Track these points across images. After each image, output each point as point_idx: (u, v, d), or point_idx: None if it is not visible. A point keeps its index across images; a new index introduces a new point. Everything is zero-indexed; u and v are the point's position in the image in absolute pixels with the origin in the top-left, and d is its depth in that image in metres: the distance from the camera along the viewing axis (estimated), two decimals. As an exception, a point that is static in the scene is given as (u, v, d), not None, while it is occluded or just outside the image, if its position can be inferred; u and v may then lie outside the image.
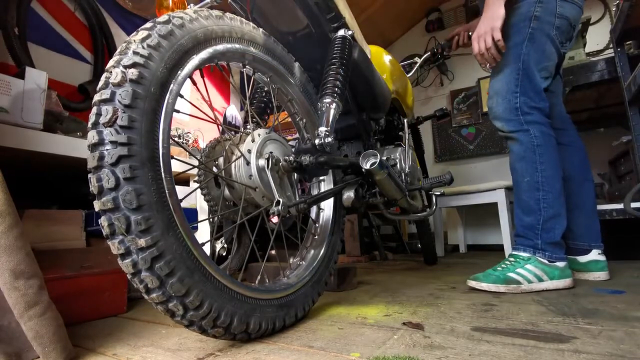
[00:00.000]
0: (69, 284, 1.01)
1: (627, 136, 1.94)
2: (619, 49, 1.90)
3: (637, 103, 1.78)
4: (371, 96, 1.30)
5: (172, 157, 0.71)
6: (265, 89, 1.19)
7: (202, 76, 0.83)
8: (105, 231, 0.61)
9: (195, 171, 1.59)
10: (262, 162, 0.87)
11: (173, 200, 0.66)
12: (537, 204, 1.26)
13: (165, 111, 0.68)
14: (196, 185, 0.93)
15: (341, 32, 1.06)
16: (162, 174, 0.66)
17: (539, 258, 1.23)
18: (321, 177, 1.16)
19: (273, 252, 1.65)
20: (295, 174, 1.01)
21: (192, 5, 0.89)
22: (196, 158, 1.18)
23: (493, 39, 1.26)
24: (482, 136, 3.32)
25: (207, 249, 1.74)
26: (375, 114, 1.42)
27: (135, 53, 0.65)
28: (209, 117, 0.92)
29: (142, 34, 0.68)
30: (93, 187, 0.61)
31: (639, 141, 1.76)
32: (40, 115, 1.21)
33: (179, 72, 0.72)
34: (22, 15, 1.76)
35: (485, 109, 3.23)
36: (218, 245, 1.86)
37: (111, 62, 0.66)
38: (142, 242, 0.60)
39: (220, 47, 0.83)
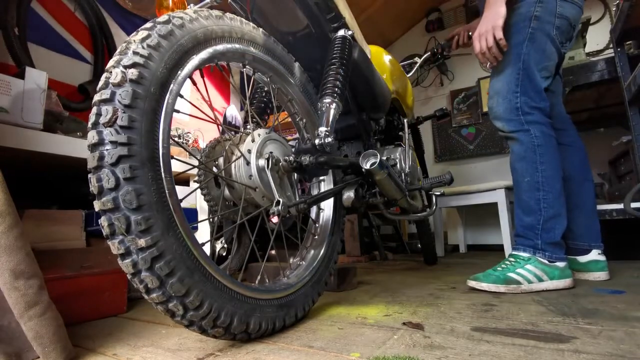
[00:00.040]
0: (69, 284, 1.01)
1: (627, 136, 1.94)
2: (619, 49, 1.90)
3: (637, 103, 1.78)
4: (371, 96, 1.30)
5: (172, 157, 0.71)
6: (265, 89, 1.19)
7: (202, 76, 0.83)
8: (105, 231, 0.61)
9: (195, 171, 1.59)
10: (262, 162, 0.87)
11: (173, 200, 0.66)
12: (537, 204, 1.26)
13: (165, 111, 0.68)
14: (196, 185, 0.93)
15: (341, 32, 1.06)
16: (162, 174, 0.66)
17: (539, 258, 1.23)
18: (321, 177, 1.16)
19: (273, 252, 1.65)
20: (295, 174, 1.01)
21: (192, 5, 0.89)
22: (196, 158, 1.18)
23: (494, 37, 1.26)
24: (482, 136, 3.32)
25: (207, 249, 1.74)
26: (375, 114, 1.42)
27: (135, 53, 0.65)
28: (209, 117, 0.92)
29: (142, 34, 0.68)
30: (93, 187, 0.61)
31: (639, 141, 1.76)
32: (40, 115, 1.21)
33: (179, 72, 0.72)
34: (22, 15, 1.76)
35: (485, 109, 3.23)
36: (218, 245, 1.86)
37: (111, 62, 0.66)
38: (142, 242, 0.60)
39: (220, 47, 0.83)
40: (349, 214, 2.24)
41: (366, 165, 1.02)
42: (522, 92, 1.30)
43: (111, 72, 0.64)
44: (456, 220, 3.13)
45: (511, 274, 1.20)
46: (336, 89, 0.94)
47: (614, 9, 2.70)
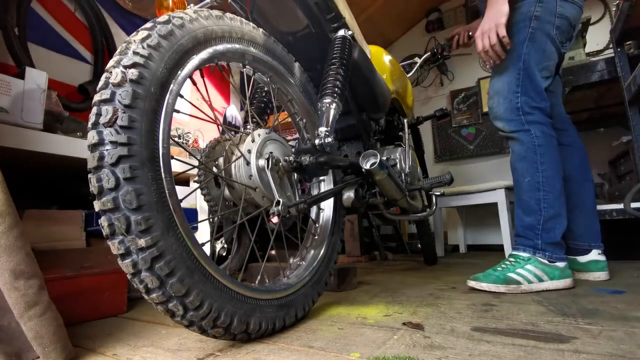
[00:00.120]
0: (69, 284, 1.01)
1: (627, 136, 1.94)
2: (619, 49, 1.90)
3: (637, 103, 1.78)
4: (371, 96, 1.30)
5: (172, 157, 0.71)
6: (265, 89, 1.19)
7: (202, 76, 0.83)
8: (105, 231, 0.61)
9: (195, 171, 1.59)
10: (262, 162, 0.87)
11: (173, 200, 0.66)
12: (537, 204, 1.26)
13: (165, 111, 0.68)
14: (196, 185, 0.93)
15: (341, 32, 1.06)
16: (162, 174, 0.66)
17: (539, 258, 1.23)
18: (321, 177, 1.16)
19: (273, 252, 1.65)
20: (295, 174, 1.01)
21: (192, 5, 0.89)
22: (196, 158, 1.18)
23: (498, 35, 1.25)
24: (482, 136, 3.32)
25: (207, 249, 1.74)
26: (375, 114, 1.42)
27: (135, 53, 0.65)
28: (209, 117, 0.92)
29: (142, 34, 0.68)
30: (93, 187, 0.61)
31: (639, 141, 1.76)
32: (40, 115, 1.21)
33: (179, 72, 0.72)
34: (22, 15, 1.76)
35: (485, 109, 3.23)
36: (218, 246, 1.86)
37: (111, 62, 0.66)
38: (142, 242, 0.60)
39: (220, 47, 0.83)
40: (349, 214, 2.24)
41: (366, 166, 1.02)
42: (523, 92, 1.30)
43: (111, 72, 0.64)
44: (456, 220, 3.13)
45: (511, 274, 1.20)
46: (336, 89, 0.94)
47: (614, 9, 2.70)
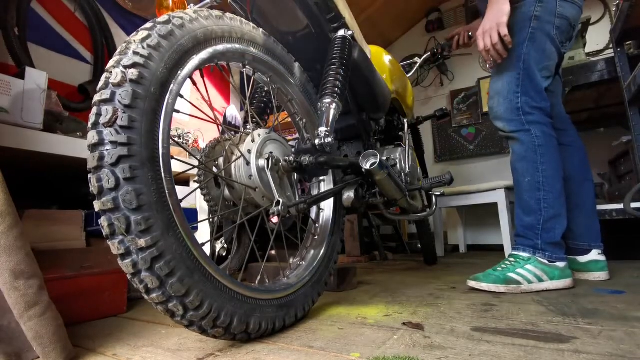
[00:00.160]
0: (69, 284, 1.01)
1: (627, 136, 1.94)
2: (619, 49, 1.90)
3: (637, 103, 1.78)
4: (371, 96, 1.30)
5: (172, 157, 0.71)
6: (265, 89, 1.19)
7: (202, 76, 0.83)
8: (105, 231, 0.61)
9: (195, 171, 1.59)
10: (262, 162, 0.87)
11: (173, 200, 0.66)
12: (537, 204, 1.26)
13: (165, 111, 0.68)
14: (196, 185, 0.93)
15: (341, 32, 1.06)
16: (162, 174, 0.66)
17: (539, 258, 1.23)
18: (321, 178, 1.16)
19: (273, 252, 1.65)
20: (295, 174, 1.01)
21: (192, 5, 0.89)
22: (196, 158, 1.18)
23: (499, 34, 1.24)
24: (482, 136, 3.32)
25: (207, 249, 1.74)
26: (375, 114, 1.42)
27: (135, 53, 0.65)
28: (209, 117, 0.92)
29: (142, 34, 0.68)
30: (93, 187, 0.61)
31: (639, 141, 1.76)
32: (40, 115, 1.21)
33: (179, 72, 0.72)
34: (22, 15, 1.76)
35: (485, 109, 3.23)
36: (218, 246, 1.86)
37: (111, 62, 0.66)
38: (142, 242, 0.60)
39: (220, 47, 0.83)
40: (349, 214, 2.24)
41: (366, 166, 1.02)
42: (523, 92, 1.30)
43: (111, 72, 0.64)
44: (456, 220, 3.13)
45: (511, 274, 1.20)
46: (336, 89, 0.94)
47: (614, 9, 2.70)
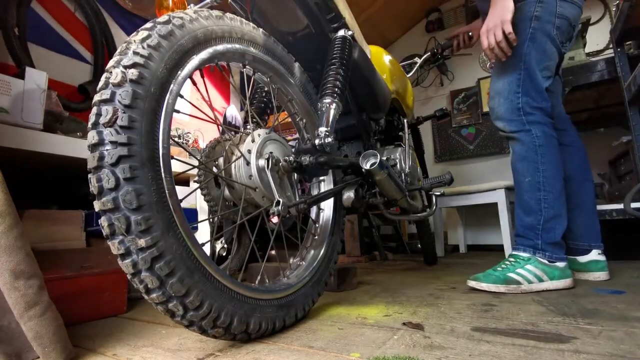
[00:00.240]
0: (69, 284, 1.01)
1: (627, 136, 1.94)
2: (619, 49, 1.90)
3: (637, 103, 1.78)
4: (371, 96, 1.30)
5: (172, 157, 0.71)
6: (265, 89, 1.19)
7: (202, 76, 0.83)
8: (105, 231, 0.61)
9: (195, 171, 1.59)
10: (262, 162, 0.87)
11: (173, 200, 0.66)
12: (537, 204, 1.26)
13: (165, 111, 0.68)
14: (196, 185, 0.93)
15: (341, 32, 1.06)
16: (162, 174, 0.66)
17: (539, 258, 1.23)
18: (321, 178, 1.16)
19: (273, 252, 1.65)
20: (295, 174, 1.01)
21: (192, 5, 0.89)
22: (196, 158, 1.18)
23: (503, 32, 1.23)
24: (482, 136, 3.32)
25: (207, 249, 1.74)
26: (375, 114, 1.42)
27: (135, 53, 0.65)
28: (209, 117, 0.92)
29: (142, 34, 0.68)
30: (93, 187, 0.61)
31: (639, 141, 1.76)
32: (40, 115, 1.21)
33: (179, 72, 0.72)
34: (22, 15, 1.76)
35: (485, 109, 3.23)
36: (218, 246, 1.86)
37: (111, 62, 0.66)
38: (142, 242, 0.60)
39: (220, 47, 0.83)
40: (349, 214, 2.24)
41: (366, 166, 1.02)
42: (524, 93, 1.30)
43: (111, 72, 0.64)
44: (456, 220, 3.13)
45: (511, 274, 1.20)
46: (336, 89, 0.94)
47: (614, 9, 2.70)
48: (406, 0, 3.42)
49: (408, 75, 1.84)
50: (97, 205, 0.61)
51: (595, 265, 1.37)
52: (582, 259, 1.40)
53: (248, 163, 0.86)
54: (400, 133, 1.68)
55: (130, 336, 0.88)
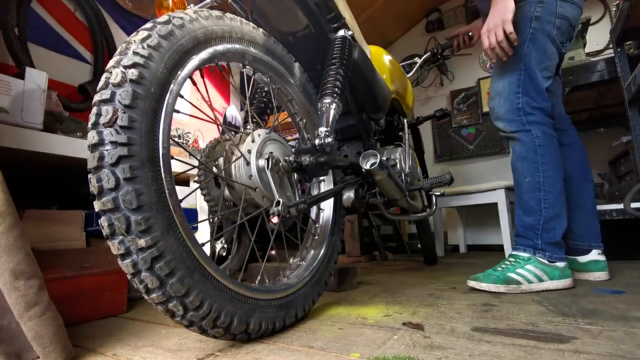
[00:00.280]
0: (69, 284, 1.01)
1: (627, 136, 1.94)
2: (619, 49, 1.90)
3: (637, 103, 1.78)
4: (371, 96, 1.30)
5: (172, 157, 0.71)
6: (265, 89, 1.19)
7: (202, 76, 0.83)
8: (105, 231, 0.61)
9: (195, 171, 1.59)
10: (262, 162, 0.87)
11: (173, 200, 0.66)
12: (537, 204, 1.26)
13: (165, 111, 0.68)
14: (196, 185, 0.93)
15: (341, 33, 1.06)
16: (162, 174, 0.66)
17: (539, 258, 1.23)
18: (321, 178, 1.16)
19: (273, 252, 1.65)
20: (295, 174, 1.01)
21: (192, 5, 0.89)
22: (196, 158, 1.18)
23: (504, 32, 1.23)
24: (482, 136, 3.32)
25: (207, 249, 1.74)
26: (375, 114, 1.42)
27: (135, 53, 0.65)
28: (209, 117, 0.92)
29: (142, 34, 0.68)
30: (93, 188, 0.61)
31: (639, 141, 1.76)
32: (40, 115, 1.21)
33: (179, 72, 0.72)
34: (22, 15, 1.76)
35: (485, 109, 3.23)
36: (218, 246, 1.86)
37: (111, 63, 0.66)
38: (142, 242, 0.60)
39: (220, 47, 0.83)
40: (349, 214, 2.24)
41: (366, 166, 1.02)
42: (524, 93, 1.30)
43: (111, 72, 0.64)
44: (456, 220, 3.13)
45: (511, 274, 1.20)
46: (336, 89, 0.94)
47: (613, 9, 2.70)
48: (406, 0, 3.42)
49: (408, 75, 1.84)
50: (97, 205, 0.61)
51: (595, 265, 1.37)
52: (582, 259, 1.40)
53: (248, 163, 0.86)
54: (400, 133, 1.68)
55: (130, 336, 0.88)
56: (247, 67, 0.97)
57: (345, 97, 1.03)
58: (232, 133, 0.98)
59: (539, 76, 1.30)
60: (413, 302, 1.10)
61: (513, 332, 0.77)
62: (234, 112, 2.20)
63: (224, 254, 1.91)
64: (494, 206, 2.34)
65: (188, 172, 1.57)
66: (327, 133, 0.88)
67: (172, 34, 0.71)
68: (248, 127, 0.97)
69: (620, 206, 1.79)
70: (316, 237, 1.11)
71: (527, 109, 1.29)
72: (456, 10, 3.61)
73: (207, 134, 2.29)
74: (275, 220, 0.84)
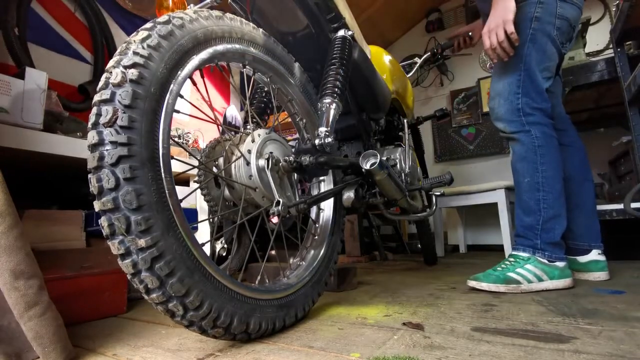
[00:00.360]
0: (69, 284, 1.01)
1: (627, 136, 1.94)
2: (618, 49, 1.90)
3: (637, 103, 1.78)
4: (371, 96, 1.30)
5: (172, 157, 0.71)
6: (265, 89, 1.19)
7: (202, 76, 0.83)
8: (105, 231, 0.61)
9: (195, 171, 1.59)
10: (262, 162, 0.87)
11: (173, 200, 0.66)
12: (537, 204, 1.26)
13: (165, 111, 0.68)
14: (196, 185, 0.93)
15: (341, 33, 1.06)
16: (162, 174, 0.66)
17: (539, 258, 1.23)
18: (321, 178, 1.16)
19: (273, 252, 1.65)
20: (295, 174, 1.01)
21: (192, 5, 0.89)
22: (196, 158, 1.18)
23: (505, 32, 1.23)
24: (482, 136, 3.32)
25: (207, 249, 1.74)
26: (375, 114, 1.42)
27: (135, 53, 0.65)
28: (209, 117, 0.92)
29: (142, 34, 0.68)
30: (93, 188, 0.61)
31: (639, 141, 1.76)
32: (40, 115, 1.21)
33: (179, 72, 0.72)
34: (22, 15, 1.76)
35: (485, 109, 3.23)
36: (218, 246, 1.86)
37: (111, 63, 0.66)
38: (142, 242, 0.60)
39: (220, 47, 0.83)
40: (349, 214, 2.24)
41: (366, 166, 1.02)
42: (524, 93, 1.30)
43: (111, 72, 0.64)
44: (456, 221, 3.13)
45: (511, 274, 1.21)
46: (336, 89, 0.94)
47: (613, 9, 2.70)
48: (406, 0, 3.42)
49: (408, 75, 1.84)
50: (97, 205, 0.61)
51: (595, 265, 1.37)
52: (582, 259, 1.40)
53: (248, 163, 0.86)
54: (400, 133, 1.68)
55: (130, 336, 0.88)
56: (247, 67, 0.97)
57: (345, 97, 1.03)
58: (232, 133, 0.98)
59: (539, 77, 1.30)
60: (413, 302, 1.10)
61: (513, 332, 0.77)
62: (234, 112, 2.20)
63: (224, 254, 1.91)
64: (494, 206, 2.34)
65: (188, 172, 1.57)
66: (327, 133, 0.88)
67: (172, 34, 0.71)
68: (248, 127, 0.97)
69: (620, 206, 1.79)
70: (316, 237, 1.11)
71: (527, 109, 1.29)
72: (456, 10, 3.61)
73: (207, 134, 2.29)
74: (275, 220, 0.84)
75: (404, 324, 0.86)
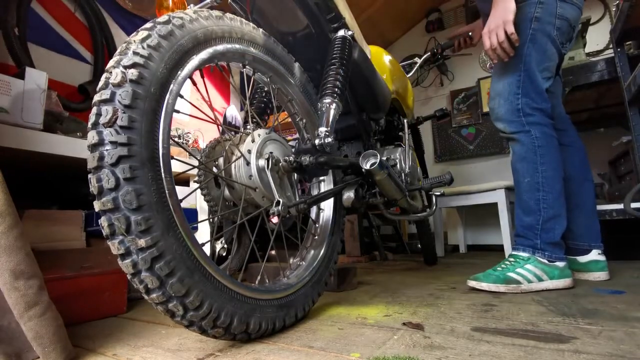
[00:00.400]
0: (69, 284, 1.01)
1: (627, 136, 1.94)
2: (618, 49, 1.90)
3: (637, 103, 1.78)
4: (371, 96, 1.30)
5: (172, 157, 0.71)
6: (265, 89, 1.19)
7: (202, 76, 0.83)
8: (105, 231, 0.61)
9: (195, 171, 1.59)
10: (262, 162, 0.87)
11: (173, 200, 0.66)
12: (537, 204, 1.26)
13: (165, 111, 0.68)
14: (196, 185, 0.93)
15: (341, 33, 1.06)
16: (162, 174, 0.66)
17: (539, 258, 1.23)
18: (321, 178, 1.16)
19: (273, 252, 1.65)
20: (295, 174, 1.01)
21: (192, 5, 0.89)
22: (196, 158, 1.18)
23: (506, 32, 1.23)
24: (482, 136, 3.32)
25: (207, 249, 1.74)
26: (375, 114, 1.42)
27: (135, 53, 0.65)
28: (209, 117, 0.92)
29: (142, 34, 0.68)
30: (93, 188, 0.61)
31: (639, 141, 1.76)
32: (40, 115, 1.21)
33: (179, 72, 0.72)
34: (22, 15, 1.76)
35: (485, 109, 3.23)
36: (218, 246, 1.86)
37: (111, 63, 0.66)
38: (142, 242, 0.60)
39: (220, 47, 0.83)
40: (349, 214, 2.24)
41: (366, 166, 1.02)
42: (524, 94, 1.30)
43: (111, 72, 0.64)
44: (456, 221, 3.13)
45: (511, 274, 1.21)
46: (336, 89, 0.94)
47: (613, 9, 2.70)
48: (406, 0, 3.42)
49: (408, 76, 1.84)
50: (97, 205, 0.61)
51: (595, 265, 1.37)
52: (582, 259, 1.40)
53: (248, 163, 0.86)
54: (400, 133, 1.68)
55: (130, 336, 0.88)
56: (247, 67, 0.97)
57: (345, 97, 1.03)
58: (232, 133, 0.98)
59: (539, 77, 1.30)
60: (413, 302, 1.10)
61: (513, 332, 0.77)
62: (234, 112, 2.20)
63: (224, 254, 1.91)
64: (494, 206, 2.34)
65: (188, 172, 1.57)
66: (327, 133, 0.88)
67: (172, 34, 0.71)
68: (248, 127, 0.97)
69: (620, 206, 1.79)
70: (316, 237, 1.11)
71: (527, 109, 1.29)
72: (456, 10, 3.61)
73: (207, 134, 2.29)
74: (275, 220, 0.84)
75: (404, 324, 0.86)
